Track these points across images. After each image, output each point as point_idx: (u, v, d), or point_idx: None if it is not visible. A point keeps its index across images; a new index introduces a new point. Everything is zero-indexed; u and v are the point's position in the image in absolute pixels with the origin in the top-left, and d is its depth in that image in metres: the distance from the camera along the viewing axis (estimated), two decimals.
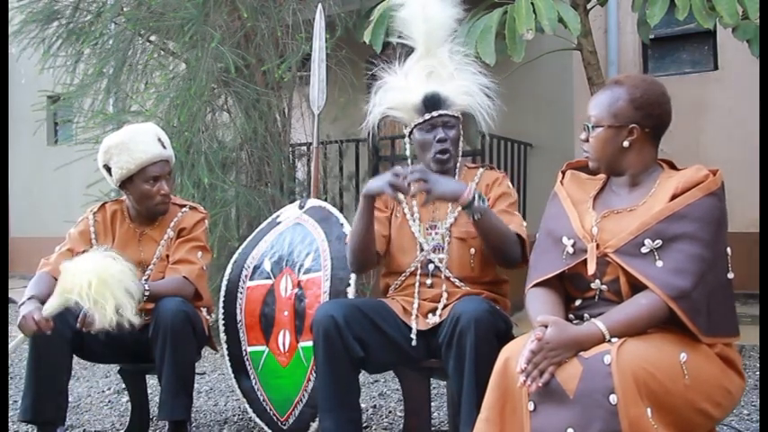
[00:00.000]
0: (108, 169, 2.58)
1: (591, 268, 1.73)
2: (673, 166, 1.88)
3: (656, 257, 1.67)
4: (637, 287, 1.69)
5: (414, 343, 2.17)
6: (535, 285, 1.85)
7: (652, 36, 4.51)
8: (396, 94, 2.30)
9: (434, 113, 2.24)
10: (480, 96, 2.28)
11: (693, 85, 5.62)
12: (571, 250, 1.80)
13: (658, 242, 1.67)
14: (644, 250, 1.68)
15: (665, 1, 3.15)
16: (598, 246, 1.74)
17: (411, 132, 2.30)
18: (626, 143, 1.79)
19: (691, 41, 5.77)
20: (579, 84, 5.13)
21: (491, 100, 2.28)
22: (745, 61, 4.54)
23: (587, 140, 1.85)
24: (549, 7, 3.14)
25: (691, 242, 1.65)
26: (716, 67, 5.59)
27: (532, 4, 3.14)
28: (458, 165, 2.32)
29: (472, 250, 2.24)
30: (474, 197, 2.05)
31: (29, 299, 2.36)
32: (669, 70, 5.84)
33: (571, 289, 1.84)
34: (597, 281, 1.76)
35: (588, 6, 3.91)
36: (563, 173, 2.00)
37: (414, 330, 2.17)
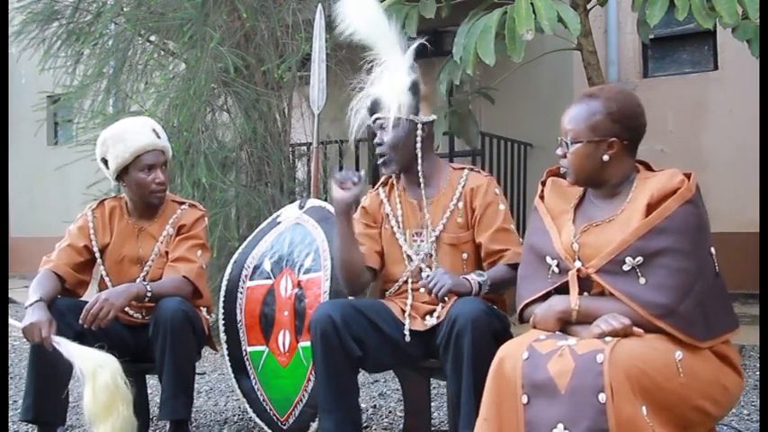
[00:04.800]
0: (105, 162, 2.60)
1: (573, 299, 1.73)
2: (648, 167, 1.86)
3: (639, 275, 1.67)
4: None
5: (407, 339, 2.17)
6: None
7: (652, 36, 4.51)
8: (365, 102, 2.33)
9: (373, 117, 2.28)
10: (401, 95, 2.22)
11: (693, 85, 5.62)
12: (556, 270, 1.81)
13: (639, 259, 1.67)
14: (626, 268, 1.68)
15: (665, 1, 3.15)
16: (579, 270, 1.75)
17: None
18: (606, 157, 1.78)
19: (691, 41, 5.77)
20: (579, 84, 5.13)
21: (415, 96, 2.24)
22: (745, 61, 4.53)
23: (564, 156, 1.84)
24: (548, 7, 3.13)
25: (672, 256, 1.65)
26: (716, 67, 5.59)
27: (532, 4, 3.14)
28: (419, 165, 2.26)
29: (464, 255, 2.24)
30: (479, 286, 2.09)
31: (37, 301, 2.34)
32: (669, 70, 5.83)
33: None
34: (585, 293, 1.77)
35: (588, 6, 3.91)
36: (543, 183, 1.99)
37: (407, 328, 2.17)
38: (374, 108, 2.28)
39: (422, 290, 2.10)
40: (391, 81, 2.24)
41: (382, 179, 2.45)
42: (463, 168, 2.35)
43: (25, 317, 2.30)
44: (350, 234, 2.20)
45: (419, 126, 2.26)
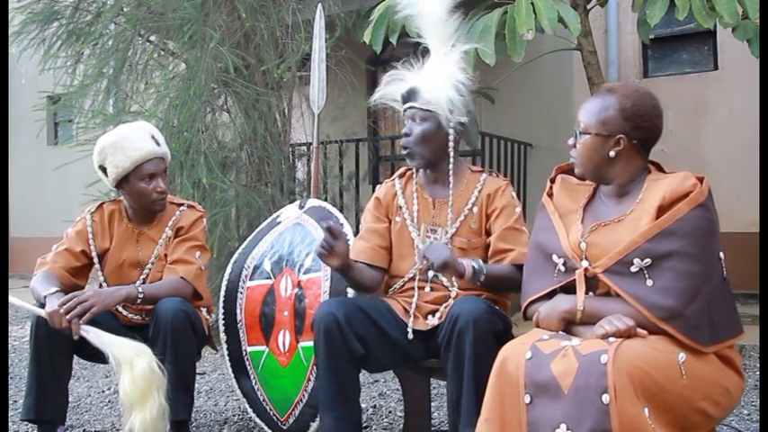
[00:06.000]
0: (104, 170, 2.58)
1: (579, 299, 1.73)
2: (660, 169, 1.86)
3: (646, 276, 1.66)
4: None
5: (410, 336, 2.17)
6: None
7: (652, 36, 4.52)
8: (395, 84, 2.30)
9: (405, 105, 2.25)
10: (449, 91, 2.20)
11: (693, 85, 5.62)
12: (563, 268, 1.81)
13: (648, 261, 1.66)
14: (633, 269, 1.68)
15: (665, 1, 3.16)
16: (586, 269, 1.75)
17: None
18: (612, 153, 1.78)
19: (691, 41, 5.77)
20: (579, 84, 5.13)
21: (462, 96, 2.22)
22: (745, 61, 4.53)
23: (575, 146, 1.85)
24: (549, 7, 3.14)
25: (681, 259, 1.64)
26: (716, 67, 5.59)
27: (532, 4, 3.15)
28: (450, 164, 2.25)
29: None
30: (473, 270, 2.02)
31: (56, 291, 2.35)
32: (669, 70, 5.84)
33: None
34: (591, 293, 1.77)
35: (588, 6, 3.92)
36: (551, 180, 1.98)
37: (410, 328, 2.17)
38: (410, 96, 2.24)
39: (419, 262, 2.03)
40: (438, 74, 2.22)
41: (401, 170, 2.43)
42: (482, 172, 2.34)
43: (47, 305, 2.30)
44: (354, 276, 2.21)
45: (452, 124, 2.23)
